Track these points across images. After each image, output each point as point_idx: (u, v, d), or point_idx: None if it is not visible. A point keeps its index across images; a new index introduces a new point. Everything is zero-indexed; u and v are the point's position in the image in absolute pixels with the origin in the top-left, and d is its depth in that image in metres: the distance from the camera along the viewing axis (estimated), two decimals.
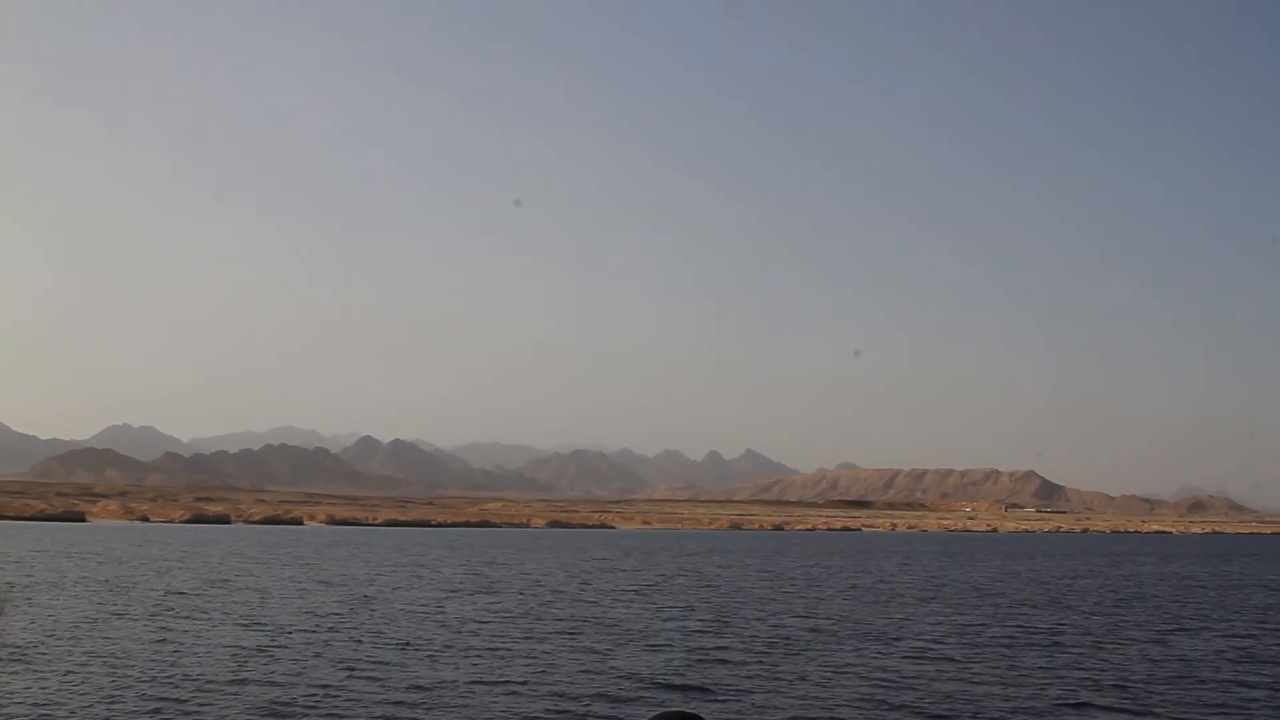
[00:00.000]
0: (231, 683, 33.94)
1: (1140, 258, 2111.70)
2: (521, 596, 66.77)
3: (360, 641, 43.82)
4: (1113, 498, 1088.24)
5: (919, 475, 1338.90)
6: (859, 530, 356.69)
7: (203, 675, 35.09)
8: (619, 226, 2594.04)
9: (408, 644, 43.34)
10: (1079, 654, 43.97)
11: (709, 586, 79.11)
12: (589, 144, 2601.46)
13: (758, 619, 55.47)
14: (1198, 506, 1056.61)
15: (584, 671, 37.38)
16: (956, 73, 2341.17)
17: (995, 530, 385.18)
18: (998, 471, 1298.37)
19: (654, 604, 63.16)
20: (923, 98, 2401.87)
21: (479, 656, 40.49)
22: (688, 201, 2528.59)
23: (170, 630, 46.29)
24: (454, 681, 34.94)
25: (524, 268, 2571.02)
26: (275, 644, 42.64)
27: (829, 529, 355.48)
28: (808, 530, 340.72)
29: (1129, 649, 45.78)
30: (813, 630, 50.67)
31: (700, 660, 40.46)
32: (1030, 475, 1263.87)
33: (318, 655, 39.98)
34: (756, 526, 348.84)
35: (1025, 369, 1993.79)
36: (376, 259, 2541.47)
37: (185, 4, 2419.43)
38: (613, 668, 38.23)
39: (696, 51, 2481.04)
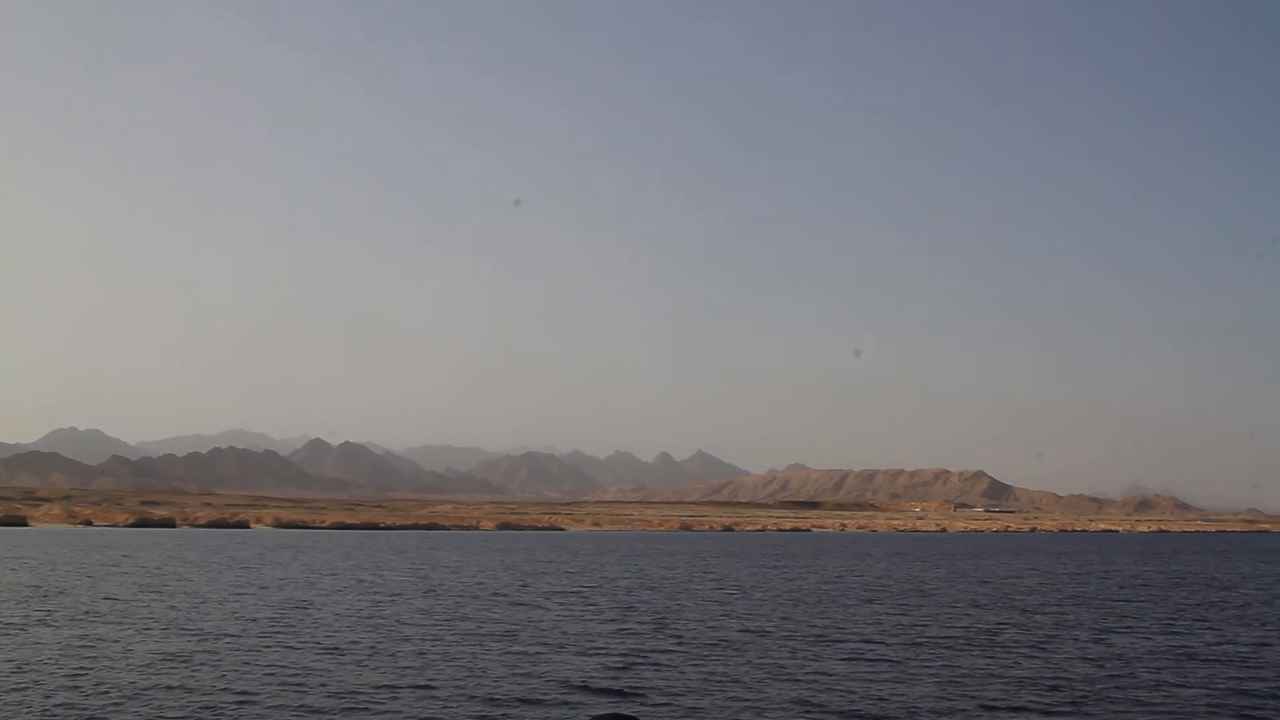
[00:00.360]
0: (146, 690, 32.90)
1: (1104, 256, 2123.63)
2: (460, 600, 65.83)
3: (289, 647, 42.73)
4: (1061, 497, 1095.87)
5: (869, 476, 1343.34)
6: (809, 531, 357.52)
7: (117, 683, 33.98)
8: (572, 230, 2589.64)
9: (337, 649, 42.37)
10: (1019, 654, 43.51)
11: (651, 588, 78.34)
12: (550, 148, 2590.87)
13: (698, 621, 54.78)
14: (1144, 505, 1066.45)
15: (515, 675, 36.59)
16: (932, 69, 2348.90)
17: (944, 530, 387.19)
18: (947, 472, 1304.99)
19: (594, 606, 62.34)
20: (892, 98, 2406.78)
21: (408, 661, 39.58)
22: (641, 205, 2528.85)
23: (93, 637, 45.04)
24: (378, 687, 34.04)
25: (477, 270, 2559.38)
26: (200, 650, 41.57)
27: (779, 529, 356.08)
28: (758, 531, 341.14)
29: (1069, 649, 45.39)
30: (752, 632, 50.01)
31: (635, 663, 39.69)
32: (979, 475, 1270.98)
33: (244, 662, 38.93)
34: (707, 527, 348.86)
35: (976, 369, 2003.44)
36: (327, 260, 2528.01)
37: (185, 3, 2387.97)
38: (544, 672, 37.42)
39: (654, 56, 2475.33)
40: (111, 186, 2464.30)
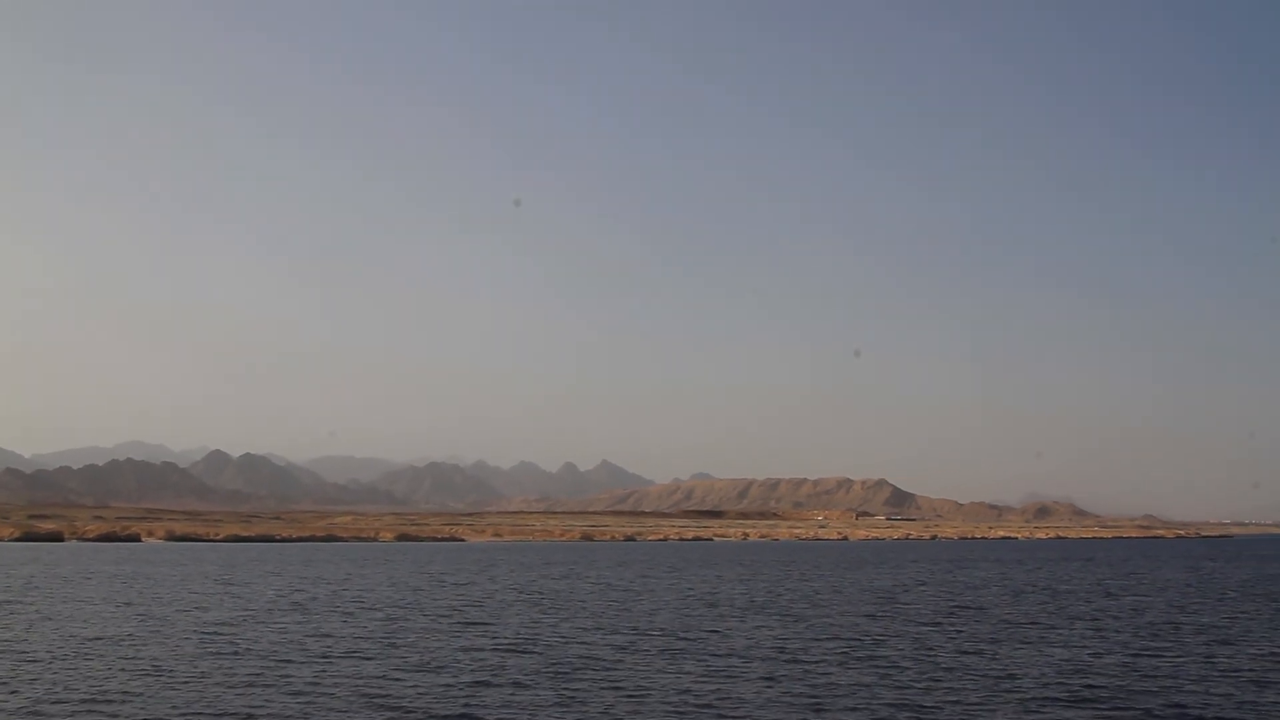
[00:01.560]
0: None
1: (1017, 262, 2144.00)
2: (326, 615, 63.01)
3: (111, 671, 39.91)
4: (962, 505, 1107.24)
5: (773, 485, 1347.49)
6: (711, 540, 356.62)
7: None
8: (469, 239, 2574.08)
9: (164, 671, 39.65)
10: (900, 667, 41.87)
11: (528, 601, 75.97)
12: (426, 153, 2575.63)
13: (569, 636, 52.55)
14: (1043, 512, 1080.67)
15: (355, 697, 34.21)
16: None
17: (846, 538, 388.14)
18: (850, 480, 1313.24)
19: (465, 621, 59.92)
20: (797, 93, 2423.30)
21: (245, 684, 37.03)
22: (542, 211, 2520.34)
23: None
24: (192, 715, 31.40)
25: (377, 281, 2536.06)
26: (14, 675, 38.57)
27: (681, 539, 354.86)
28: (660, 541, 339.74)
29: (951, 660, 43.84)
30: (622, 648, 47.87)
31: (484, 685, 37.44)
32: (882, 484, 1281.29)
33: (64, 686, 36.22)
34: (608, 537, 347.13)
35: (880, 378, 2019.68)
36: (223, 268, 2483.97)
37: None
38: (384, 695, 35.01)
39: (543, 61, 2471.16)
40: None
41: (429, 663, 42.47)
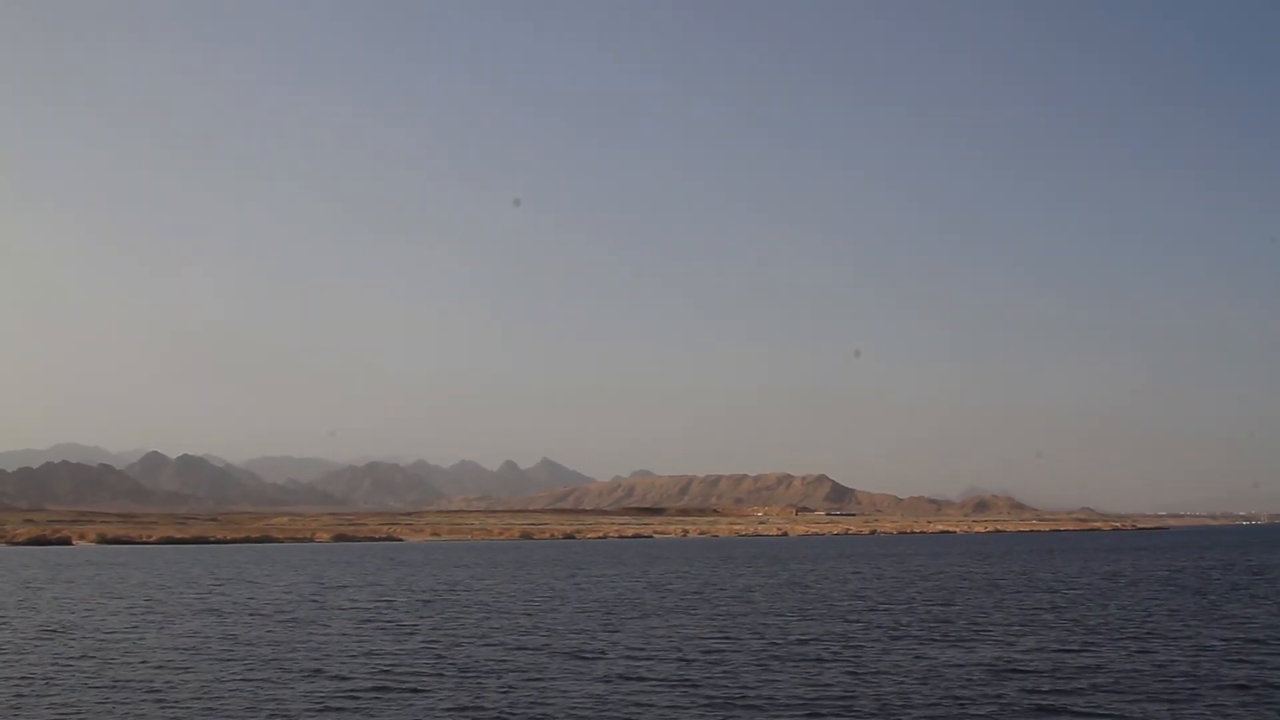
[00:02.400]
0: None
1: (969, 258, 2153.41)
2: (241, 619, 60.92)
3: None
4: (901, 499, 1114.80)
5: (714, 481, 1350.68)
6: (651, 538, 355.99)
7: None
8: (409, 239, 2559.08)
9: (48, 679, 37.55)
10: (822, 665, 40.41)
11: (454, 601, 74.09)
12: (378, 160, 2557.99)
13: (479, 637, 50.76)
14: (982, 506, 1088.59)
15: (233, 705, 32.20)
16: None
17: (786, 534, 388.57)
18: (790, 476, 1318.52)
19: (376, 622, 57.99)
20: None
21: (123, 695, 34.96)
22: (473, 212, 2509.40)
23: None
24: None
25: (317, 280, 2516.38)
26: None
27: (620, 536, 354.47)
28: (599, 538, 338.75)
29: (876, 660, 42.43)
30: (523, 649, 46.08)
31: (386, 687, 35.60)
32: (822, 479, 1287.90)
33: None
34: (548, 535, 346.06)
35: (818, 374, 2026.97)
36: (162, 266, 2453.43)
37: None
38: (270, 700, 33.11)
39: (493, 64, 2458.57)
40: None
41: (316, 670, 40.65)
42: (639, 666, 40.33)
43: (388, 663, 41.62)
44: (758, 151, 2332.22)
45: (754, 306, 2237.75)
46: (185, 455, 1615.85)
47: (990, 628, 53.59)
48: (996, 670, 39.04)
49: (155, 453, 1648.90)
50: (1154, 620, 56.97)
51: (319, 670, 39.83)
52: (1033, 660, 41.52)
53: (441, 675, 38.41)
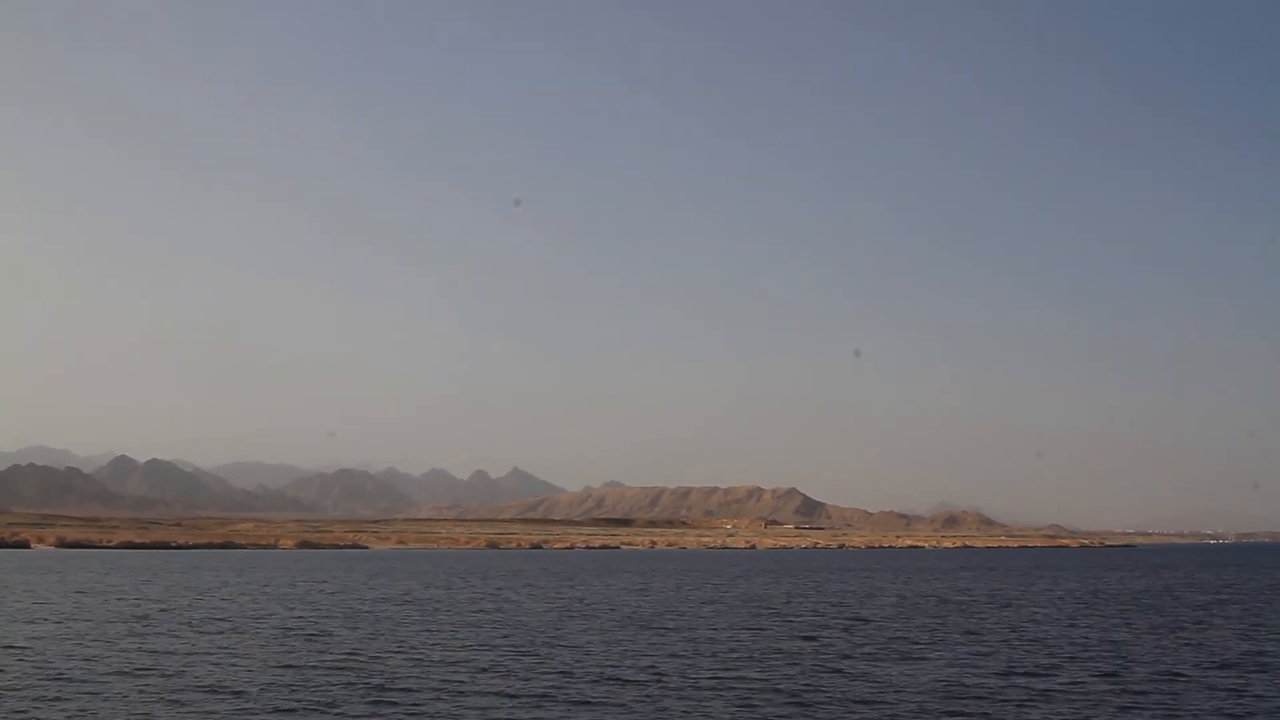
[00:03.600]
0: None
1: (942, 269, 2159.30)
2: (165, 629, 58.74)
3: None
4: (871, 514, 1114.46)
5: (684, 493, 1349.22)
6: (618, 549, 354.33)
7: None
8: (382, 248, 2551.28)
9: None
10: (753, 687, 38.58)
11: (396, 612, 71.91)
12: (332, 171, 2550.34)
13: (406, 651, 48.69)
14: (952, 521, 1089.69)
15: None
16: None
17: (754, 547, 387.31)
18: (761, 489, 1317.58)
19: (304, 633, 55.84)
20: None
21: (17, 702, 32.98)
22: (446, 221, 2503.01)
23: None
24: None
25: (288, 285, 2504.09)
26: None
27: (588, 547, 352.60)
28: (566, 549, 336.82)
29: (820, 679, 40.61)
30: (451, 663, 44.17)
31: (302, 709, 33.60)
32: (792, 493, 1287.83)
33: None
34: (515, 545, 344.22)
35: (792, 386, 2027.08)
36: (130, 266, 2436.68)
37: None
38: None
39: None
40: None
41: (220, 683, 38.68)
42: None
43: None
44: (732, 160, 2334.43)
45: (730, 318, 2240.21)
46: (154, 459, 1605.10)
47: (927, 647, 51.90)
48: (940, 692, 37.34)
49: (124, 456, 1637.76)
50: (1104, 639, 55.42)
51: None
52: (983, 683, 39.83)
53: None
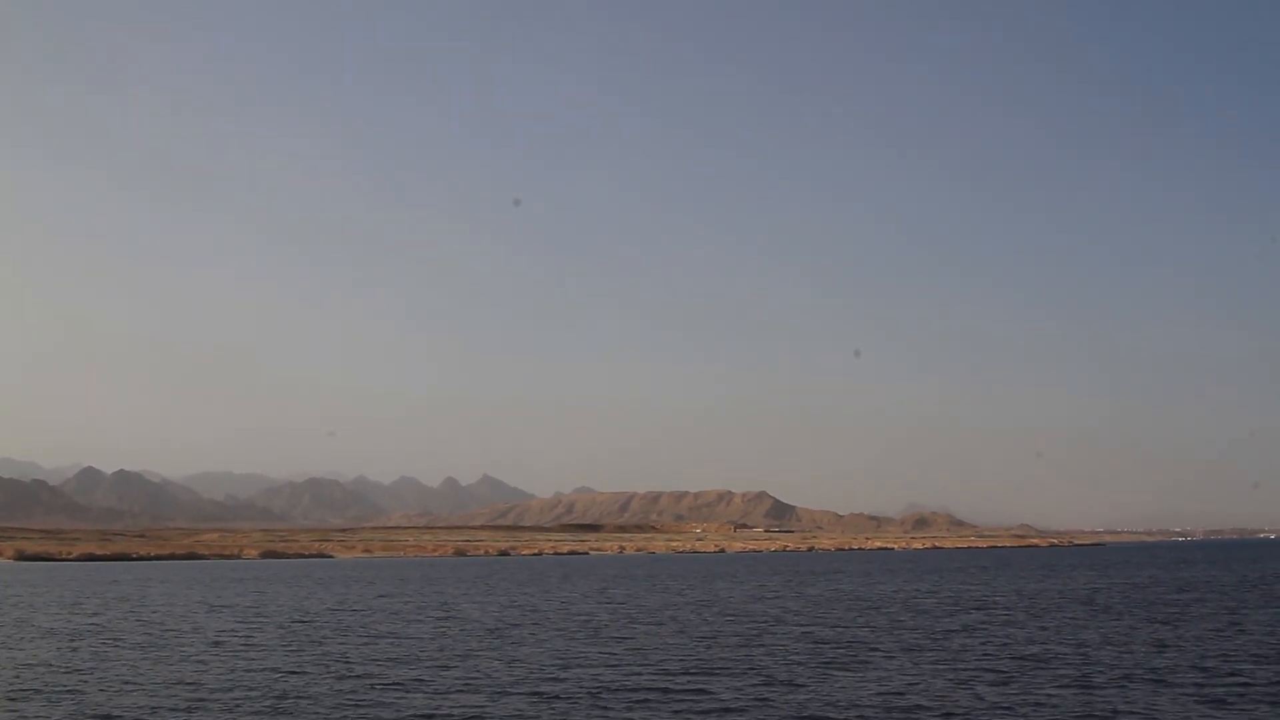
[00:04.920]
0: None
1: (920, 271, 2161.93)
2: (97, 642, 56.78)
3: None
4: (842, 516, 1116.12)
5: (654, 498, 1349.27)
6: (587, 554, 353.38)
7: None
8: (350, 257, 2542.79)
9: None
10: (703, 699, 36.97)
11: (340, 620, 70.02)
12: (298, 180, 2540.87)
13: (351, 655, 46.90)
14: (922, 523, 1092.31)
15: None
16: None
17: (723, 550, 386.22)
18: (731, 493, 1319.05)
19: (242, 639, 53.96)
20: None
21: None
22: (405, 231, 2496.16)
23: None
24: None
25: (253, 293, 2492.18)
26: None
27: (557, 553, 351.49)
28: (534, 555, 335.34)
29: (770, 690, 39.06)
30: (393, 664, 42.42)
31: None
32: (762, 496, 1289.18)
33: None
34: (483, 552, 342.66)
35: (761, 390, 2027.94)
36: (99, 276, 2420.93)
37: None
38: None
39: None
40: None
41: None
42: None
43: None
44: (707, 167, 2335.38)
45: (699, 323, 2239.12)
46: (121, 470, 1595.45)
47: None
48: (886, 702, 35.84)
49: (91, 468, 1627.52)
50: (1070, 641, 54.13)
51: None
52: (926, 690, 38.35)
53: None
